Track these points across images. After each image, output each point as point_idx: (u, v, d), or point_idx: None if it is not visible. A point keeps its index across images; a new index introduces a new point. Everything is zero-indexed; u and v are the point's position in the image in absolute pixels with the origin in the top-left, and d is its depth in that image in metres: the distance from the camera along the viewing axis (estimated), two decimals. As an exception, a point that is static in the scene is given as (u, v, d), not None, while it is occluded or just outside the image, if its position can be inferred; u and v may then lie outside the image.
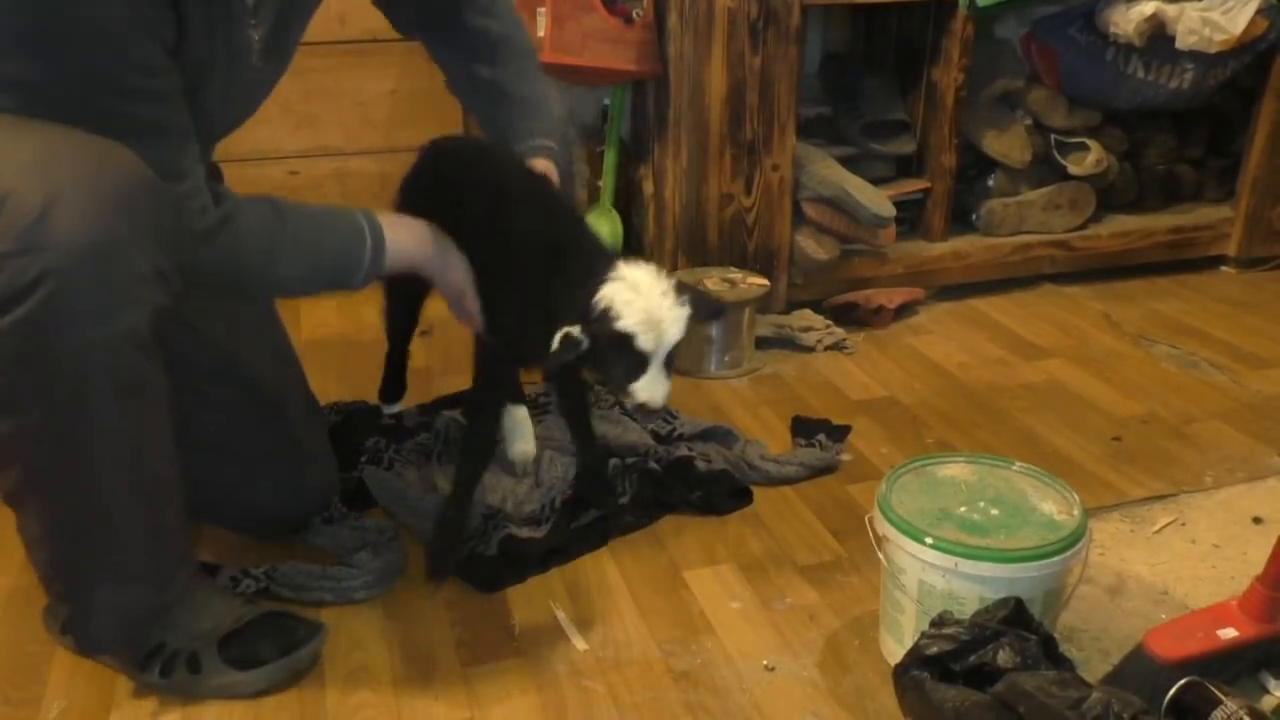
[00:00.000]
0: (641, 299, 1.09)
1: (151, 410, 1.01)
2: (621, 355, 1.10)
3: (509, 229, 1.23)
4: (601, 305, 1.08)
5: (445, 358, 1.92)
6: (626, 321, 1.08)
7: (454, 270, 1.24)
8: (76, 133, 0.93)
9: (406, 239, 1.21)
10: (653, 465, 1.49)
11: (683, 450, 1.53)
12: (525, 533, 1.35)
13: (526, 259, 1.21)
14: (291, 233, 1.12)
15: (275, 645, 1.12)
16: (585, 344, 1.09)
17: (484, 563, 1.31)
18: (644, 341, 1.09)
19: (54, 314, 0.88)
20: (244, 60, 1.12)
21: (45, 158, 0.90)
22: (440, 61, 1.46)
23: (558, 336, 1.08)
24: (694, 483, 1.47)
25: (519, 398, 1.53)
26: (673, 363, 1.14)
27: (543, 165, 1.33)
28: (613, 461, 1.50)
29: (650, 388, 1.12)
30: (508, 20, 1.42)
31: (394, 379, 1.63)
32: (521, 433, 1.52)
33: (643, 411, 1.15)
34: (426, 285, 1.45)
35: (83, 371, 0.92)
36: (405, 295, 1.53)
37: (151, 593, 1.08)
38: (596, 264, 1.13)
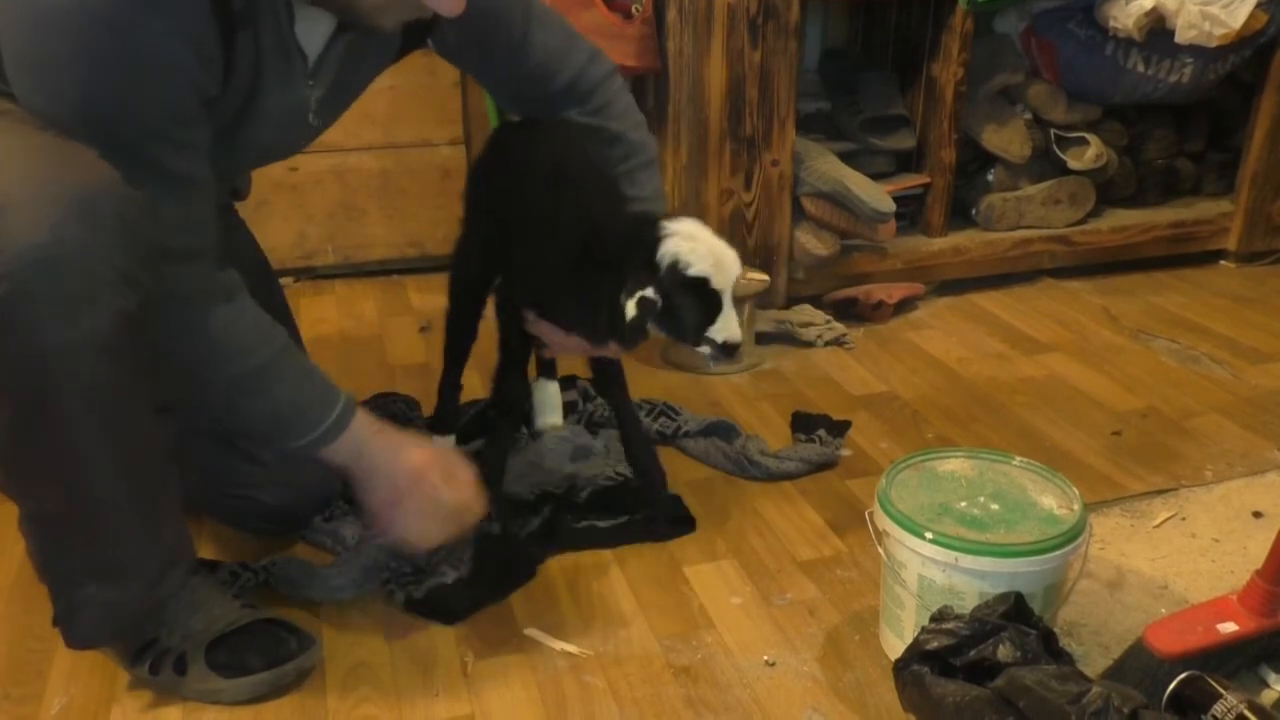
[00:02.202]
0: (702, 244, 1.15)
1: (126, 411, 0.98)
2: (697, 301, 1.15)
3: (552, 206, 1.24)
4: (669, 259, 1.13)
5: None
6: (698, 267, 1.13)
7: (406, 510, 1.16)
8: (38, 136, 0.91)
9: (385, 441, 1.16)
10: (579, 498, 1.43)
11: (607, 477, 1.47)
12: (452, 578, 1.27)
13: (571, 234, 1.22)
14: (269, 353, 1.10)
15: (263, 656, 1.11)
16: (659, 303, 1.13)
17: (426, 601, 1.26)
18: (717, 281, 1.15)
19: (11, 320, 0.87)
20: (300, 117, 1.15)
21: (2, 163, 0.89)
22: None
23: (632, 302, 1.12)
24: (627, 506, 1.41)
25: (551, 373, 1.55)
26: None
27: None
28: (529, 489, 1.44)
29: (729, 325, 1.17)
30: (623, 119, 1.37)
31: (449, 405, 1.54)
32: (552, 406, 1.53)
33: (725, 352, 1.19)
34: (492, 278, 1.44)
35: (45, 376, 0.91)
36: (474, 295, 1.46)
37: (141, 590, 1.06)
38: (640, 226, 1.18)
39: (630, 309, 1.13)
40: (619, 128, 1.36)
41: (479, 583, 1.27)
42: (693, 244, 1.14)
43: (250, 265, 1.28)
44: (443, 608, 1.23)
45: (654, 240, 1.14)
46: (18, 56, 0.95)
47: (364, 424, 1.15)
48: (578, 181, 1.27)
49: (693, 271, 1.13)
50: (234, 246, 1.26)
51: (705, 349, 1.19)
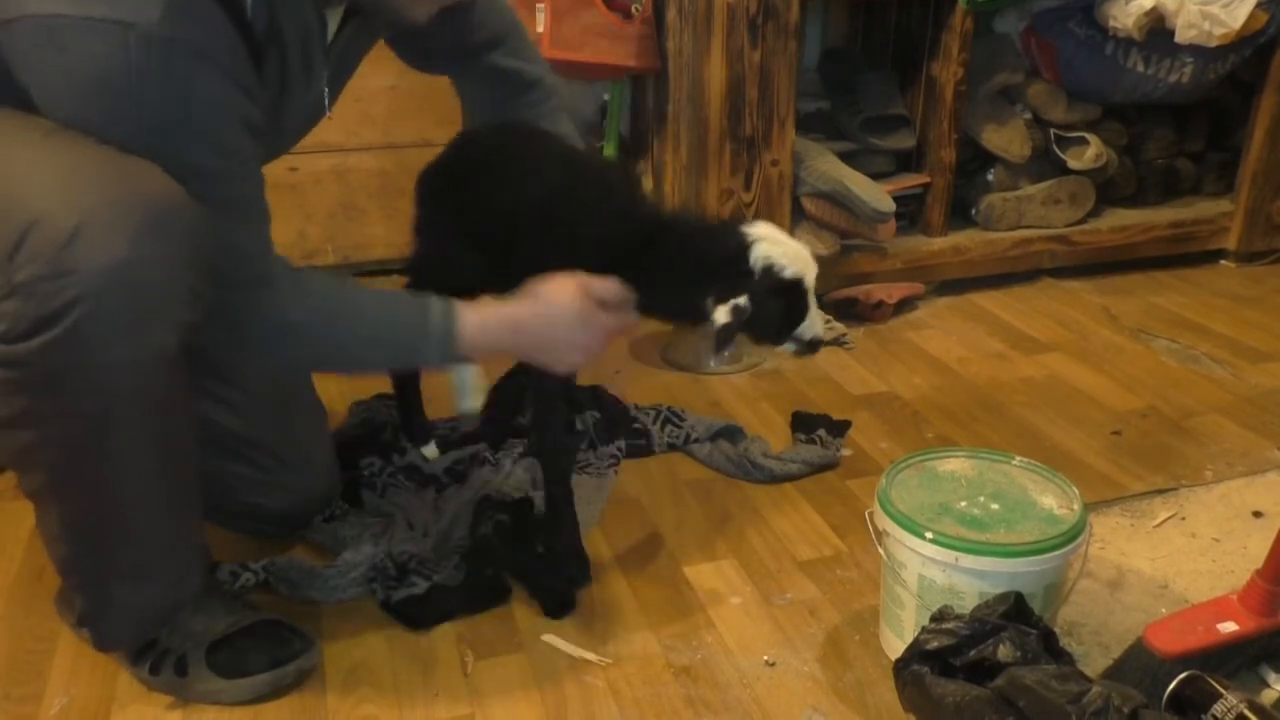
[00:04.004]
0: (789, 246, 1.16)
1: (176, 422, 1.01)
2: (791, 302, 1.16)
3: (574, 208, 1.22)
4: (763, 263, 1.14)
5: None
6: (793, 269, 1.14)
7: (576, 345, 1.13)
8: (105, 150, 0.92)
9: (490, 337, 1.13)
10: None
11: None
12: (423, 587, 1.25)
13: (607, 233, 1.20)
14: (347, 328, 1.10)
15: (264, 657, 1.11)
16: (750, 309, 1.13)
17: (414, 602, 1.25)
18: (809, 281, 1.16)
19: (85, 337, 0.88)
20: (318, 109, 1.17)
21: (74, 179, 0.90)
22: (466, 94, 1.46)
23: (724, 309, 1.12)
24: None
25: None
26: None
27: None
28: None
29: (817, 323, 1.19)
30: (539, 63, 1.41)
31: (412, 416, 1.49)
32: (475, 388, 1.50)
33: (812, 348, 1.20)
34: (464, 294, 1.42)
35: (111, 390, 0.92)
36: None
37: (168, 592, 1.08)
38: (720, 229, 1.19)
39: (722, 315, 1.12)
40: (537, 71, 1.40)
41: (449, 596, 1.25)
42: (782, 247, 1.15)
43: None
44: (411, 615, 1.23)
45: (742, 245, 1.14)
46: (68, 121, 0.94)
47: (476, 324, 1.11)
48: (592, 179, 1.26)
49: (788, 274, 1.14)
50: None
51: (789, 347, 1.21)
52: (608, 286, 1.15)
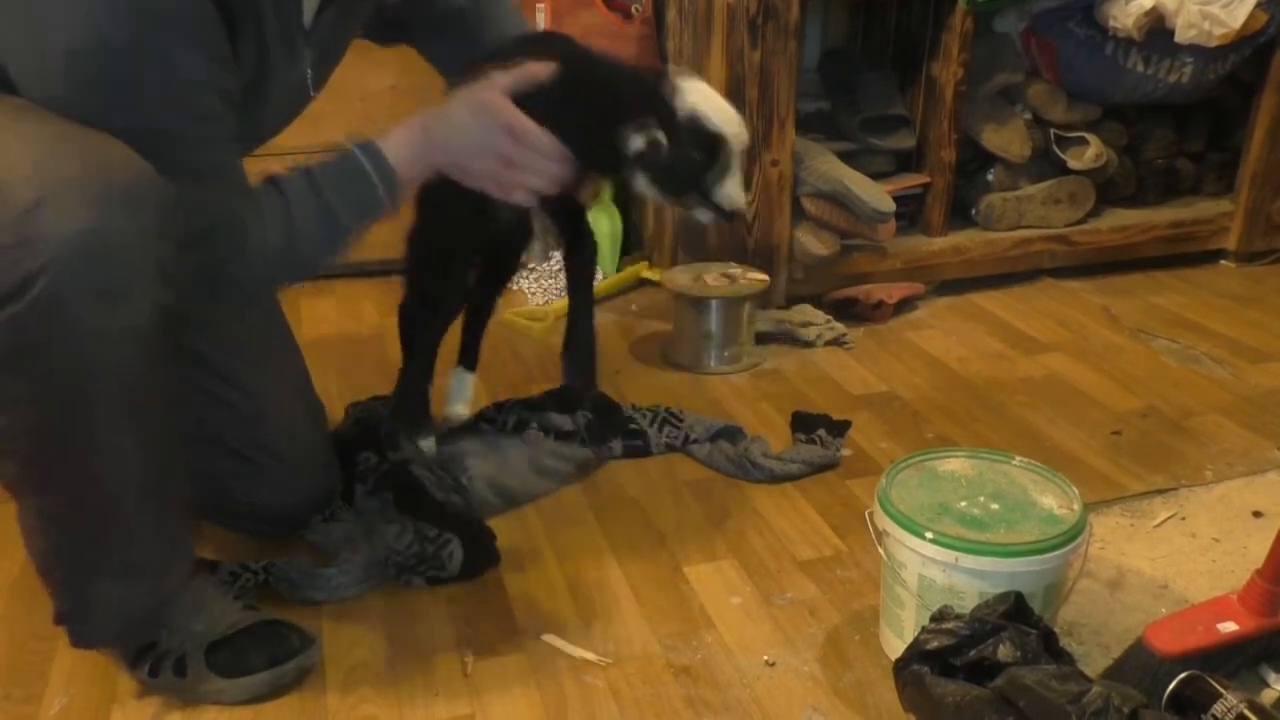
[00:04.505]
0: (722, 103, 1.10)
1: (154, 407, 0.99)
2: (711, 158, 1.10)
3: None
4: (689, 110, 1.08)
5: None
6: (717, 121, 1.09)
7: (476, 138, 1.11)
8: (73, 127, 0.92)
9: (408, 147, 1.12)
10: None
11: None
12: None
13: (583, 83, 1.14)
14: (304, 218, 1.09)
15: (264, 656, 1.11)
16: (666, 147, 1.06)
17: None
18: (735, 143, 1.10)
19: (51, 310, 0.86)
20: (302, 92, 1.18)
21: (41, 152, 0.89)
22: (436, 53, 1.45)
23: (641, 136, 1.06)
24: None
25: (471, 363, 1.50)
26: None
27: None
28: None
29: (739, 189, 1.13)
30: None
31: (418, 403, 1.45)
32: (463, 396, 1.49)
33: (727, 218, 1.15)
34: (468, 269, 1.36)
35: (81, 368, 0.91)
36: (447, 290, 1.37)
37: (149, 588, 1.07)
38: (651, 74, 1.13)
39: (638, 142, 1.06)
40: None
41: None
42: (713, 102, 1.10)
43: None
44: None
45: (670, 90, 1.09)
46: (40, 93, 0.94)
47: (393, 141, 1.11)
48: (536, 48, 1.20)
49: (713, 126, 1.09)
50: None
51: (706, 214, 1.15)
52: (508, 75, 1.11)
